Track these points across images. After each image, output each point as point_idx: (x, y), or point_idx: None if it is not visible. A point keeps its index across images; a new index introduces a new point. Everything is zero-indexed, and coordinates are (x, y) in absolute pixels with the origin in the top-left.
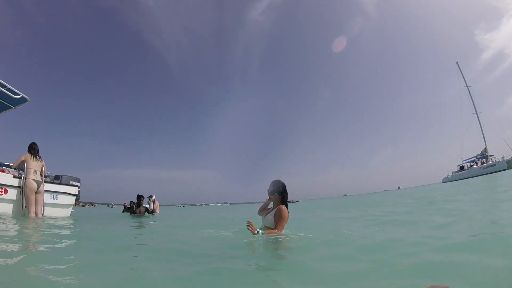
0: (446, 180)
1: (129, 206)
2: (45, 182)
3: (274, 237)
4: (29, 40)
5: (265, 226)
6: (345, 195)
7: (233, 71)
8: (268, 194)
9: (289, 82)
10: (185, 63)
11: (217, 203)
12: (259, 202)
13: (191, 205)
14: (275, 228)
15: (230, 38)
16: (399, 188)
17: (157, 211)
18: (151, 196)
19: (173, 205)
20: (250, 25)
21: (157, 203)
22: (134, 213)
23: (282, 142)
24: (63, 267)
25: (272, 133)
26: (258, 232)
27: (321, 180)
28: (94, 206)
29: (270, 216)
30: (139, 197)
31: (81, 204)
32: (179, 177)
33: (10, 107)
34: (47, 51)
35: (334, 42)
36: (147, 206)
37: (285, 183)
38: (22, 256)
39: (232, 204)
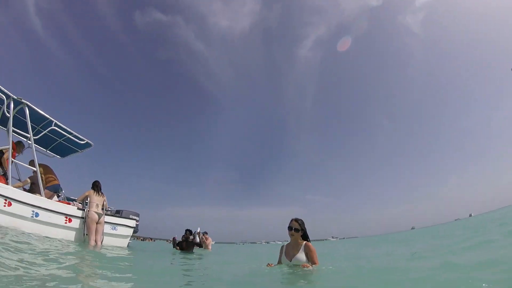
0: None
1: (179, 241)
2: (107, 215)
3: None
4: (94, 90)
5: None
6: (413, 228)
7: (288, 110)
8: (294, 232)
9: (344, 117)
10: (239, 105)
11: (277, 241)
12: (318, 240)
13: (251, 243)
14: (314, 264)
15: (282, 78)
16: (470, 215)
17: (210, 247)
18: (205, 233)
19: (233, 243)
20: (300, 62)
21: (209, 239)
22: (182, 249)
23: (343, 179)
24: None
25: (332, 172)
26: None
27: (389, 215)
28: (154, 241)
29: (300, 254)
30: (187, 232)
31: (141, 238)
32: (241, 215)
33: (77, 151)
34: (112, 101)
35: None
36: (195, 239)
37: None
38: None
39: None
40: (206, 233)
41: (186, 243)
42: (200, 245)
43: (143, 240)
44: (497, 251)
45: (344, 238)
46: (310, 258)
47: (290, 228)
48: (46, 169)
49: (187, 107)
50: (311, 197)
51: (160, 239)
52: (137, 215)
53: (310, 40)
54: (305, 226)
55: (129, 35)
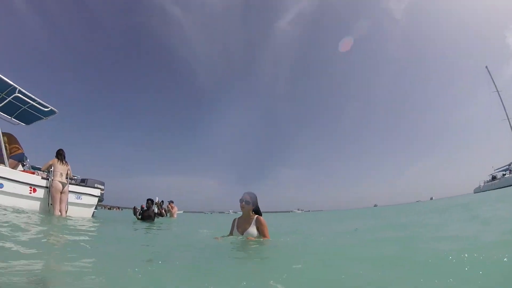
0: (478, 190)
1: (139, 210)
2: (71, 184)
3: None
4: (61, 55)
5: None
6: (375, 205)
7: (262, 83)
8: (244, 204)
9: (317, 95)
10: (214, 75)
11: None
12: (283, 211)
13: (219, 212)
14: (265, 237)
15: (259, 50)
16: (431, 198)
17: (175, 215)
18: (171, 201)
19: (202, 212)
20: (278, 36)
21: (175, 208)
22: (143, 219)
23: (313, 152)
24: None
25: (303, 143)
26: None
27: (354, 192)
28: (121, 210)
29: (251, 228)
30: (148, 201)
31: (108, 207)
32: (212, 184)
33: (41, 118)
34: (80, 66)
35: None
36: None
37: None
38: (37, 251)
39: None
40: (172, 202)
41: (147, 213)
42: (161, 214)
43: (110, 209)
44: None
45: (309, 210)
46: (261, 232)
47: (241, 200)
48: (10, 138)
49: (159, 73)
50: (280, 168)
51: (127, 208)
52: (102, 183)
53: (291, 13)
54: (258, 200)
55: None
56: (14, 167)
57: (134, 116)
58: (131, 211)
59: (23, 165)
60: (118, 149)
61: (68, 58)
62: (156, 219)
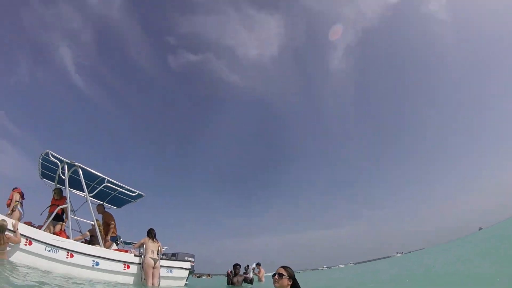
0: None
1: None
2: (162, 259)
3: None
4: (144, 138)
5: None
6: (480, 228)
7: (331, 122)
8: (277, 278)
9: (388, 118)
10: (282, 124)
11: (340, 264)
12: (381, 258)
13: (312, 269)
14: None
15: (319, 91)
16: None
17: (263, 279)
18: (258, 264)
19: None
20: (333, 73)
21: (262, 270)
22: (232, 283)
23: (399, 185)
24: None
25: (387, 180)
26: None
27: (454, 216)
28: (211, 277)
29: None
30: (235, 266)
31: (197, 275)
32: (298, 241)
33: (131, 201)
34: (157, 145)
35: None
36: (248, 275)
37: None
38: None
39: (356, 263)
40: (259, 264)
41: (235, 278)
42: (250, 281)
43: (199, 277)
44: None
45: (409, 252)
46: None
47: (273, 274)
48: (108, 220)
49: (231, 138)
50: (368, 212)
51: (218, 274)
52: (192, 256)
53: (339, 50)
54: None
55: (167, 78)
56: (109, 246)
57: (215, 182)
58: (222, 277)
59: (117, 244)
60: (202, 217)
61: (143, 138)
62: (244, 284)
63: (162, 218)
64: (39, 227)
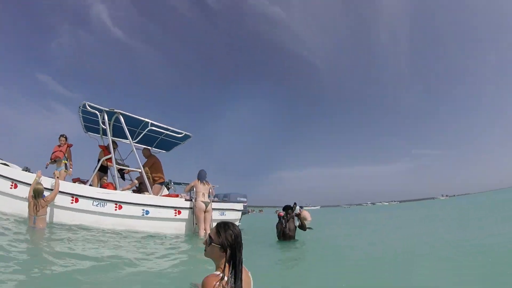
0: None
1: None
2: (214, 201)
3: None
4: (190, 82)
5: None
6: None
7: (383, 60)
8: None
9: (447, 58)
10: (333, 64)
11: (383, 202)
12: (425, 199)
13: (357, 205)
14: None
15: (371, 27)
16: None
17: (309, 218)
18: (301, 207)
19: (338, 206)
20: (384, 9)
21: (305, 213)
22: (284, 235)
23: (454, 127)
24: None
25: (442, 122)
26: None
27: (505, 166)
28: (262, 212)
29: None
30: (287, 209)
31: (249, 210)
32: (345, 175)
33: (179, 143)
34: (207, 86)
35: None
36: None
37: None
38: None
39: (400, 202)
40: (302, 207)
41: (286, 228)
42: (302, 227)
43: (249, 213)
44: None
45: (454, 195)
46: None
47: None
48: (156, 167)
49: (283, 75)
50: (419, 151)
51: (269, 207)
52: (245, 196)
53: None
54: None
55: (208, 19)
56: (158, 191)
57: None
58: (272, 212)
59: (168, 188)
60: (250, 151)
61: (197, 83)
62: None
63: (213, 158)
64: (87, 182)
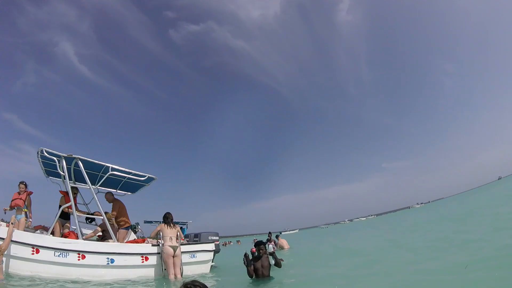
0: None
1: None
2: (183, 244)
3: None
4: (157, 115)
5: None
6: (499, 178)
7: (345, 78)
8: None
9: (403, 71)
10: (296, 87)
11: (361, 217)
12: (401, 209)
13: (334, 223)
14: None
15: (329, 48)
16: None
17: (286, 246)
18: (277, 236)
19: (316, 227)
20: (342, 27)
21: (282, 241)
22: (256, 272)
23: (416, 138)
24: None
25: (404, 134)
26: None
27: (472, 167)
28: (240, 243)
29: None
30: (259, 245)
31: (223, 243)
32: (320, 197)
33: (144, 185)
34: (167, 121)
35: None
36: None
37: None
38: None
39: (377, 215)
40: (280, 233)
41: (258, 264)
42: (278, 264)
43: (224, 245)
44: None
45: (429, 201)
46: None
47: None
48: (120, 210)
49: (242, 103)
50: (388, 164)
51: (247, 235)
52: (216, 234)
53: (345, 2)
54: None
55: (171, 53)
56: (124, 237)
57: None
58: (250, 241)
59: (135, 232)
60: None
61: (152, 114)
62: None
63: (183, 195)
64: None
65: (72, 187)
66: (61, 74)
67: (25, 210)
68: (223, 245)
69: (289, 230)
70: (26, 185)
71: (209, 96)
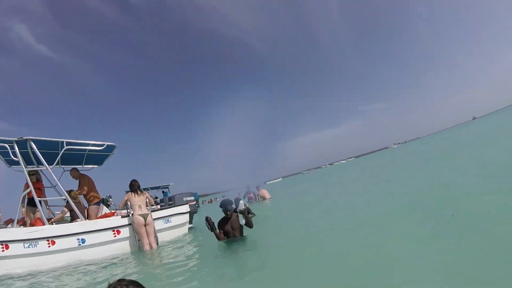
0: None
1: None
2: (155, 210)
3: None
4: (120, 85)
5: None
6: (474, 118)
7: (317, 25)
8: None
9: (377, 15)
10: (265, 37)
11: (341, 160)
12: (379, 150)
13: (316, 168)
14: None
15: None
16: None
17: (267, 196)
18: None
19: (299, 173)
20: None
21: (263, 191)
22: (226, 234)
23: (392, 80)
24: None
25: (379, 77)
26: None
27: (448, 107)
28: (226, 198)
29: None
30: (224, 205)
31: (208, 201)
32: (300, 143)
33: (108, 155)
34: (140, 70)
35: None
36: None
37: None
38: None
39: (357, 157)
40: (259, 186)
41: (228, 226)
42: (249, 223)
43: (211, 202)
44: None
45: (405, 141)
46: None
47: None
48: (89, 184)
49: (211, 60)
50: (364, 107)
51: (228, 191)
52: (192, 194)
53: None
54: None
55: (131, 17)
56: (96, 212)
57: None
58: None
59: (108, 206)
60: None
61: (128, 83)
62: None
63: (161, 157)
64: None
65: (34, 172)
66: (21, 57)
67: None
68: (208, 202)
69: (273, 180)
70: None
71: (176, 59)
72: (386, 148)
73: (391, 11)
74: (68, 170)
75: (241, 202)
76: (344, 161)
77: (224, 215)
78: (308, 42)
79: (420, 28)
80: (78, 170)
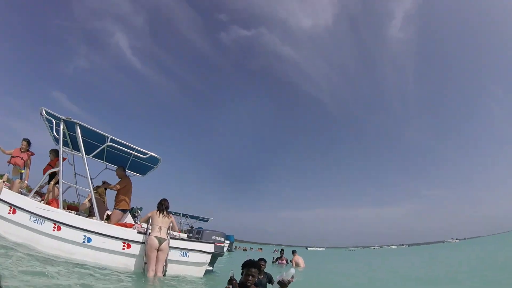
0: None
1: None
2: (175, 238)
3: None
4: (198, 111)
5: None
6: None
7: (390, 92)
8: None
9: (453, 92)
10: (339, 97)
11: (392, 245)
12: (435, 242)
13: (363, 247)
14: None
15: (377, 62)
16: None
17: (302, 265)
18: (294, 251)
19: (344, 247)
20: (392, 43)
21: (298, 258)
22: None
23: (462, 166)
24: None
25: (450, 161)
26: None
27: None
28: (262, 250)
29: None
30: (248, 267)
31: (244, 248)
32: (351, 216)
33: (153, 167)
34: (212, 116)
35: None
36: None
37: None
38: None
39: (409, 245)
40: (295, 252)
41: None
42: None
43: (245, 250)
44: None
45: (465, 238)
46: None
47: None
48: (126, 189)
49: (285, 111)
50: (428, 191)
51: (269, 244)
52: (222, 235)
53: (398, 18)
54: None
55: (219, 53)
56: (117, 219)
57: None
58: (271, 252)
59: (134, 217)
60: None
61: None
62: None
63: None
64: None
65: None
66: (113, 62)
67: (22, 171)
68: (243, 249)
69: (316, 247)
70: (29, 144)
71: (250, 96)
72: (443, 242)
73: (466, 87)
74: (110, 168)
75: (292, 270)
76: (396, 246)
77: (243, 279)
78: (379, 107)
79: (493, 109)
80: (124, 170)
